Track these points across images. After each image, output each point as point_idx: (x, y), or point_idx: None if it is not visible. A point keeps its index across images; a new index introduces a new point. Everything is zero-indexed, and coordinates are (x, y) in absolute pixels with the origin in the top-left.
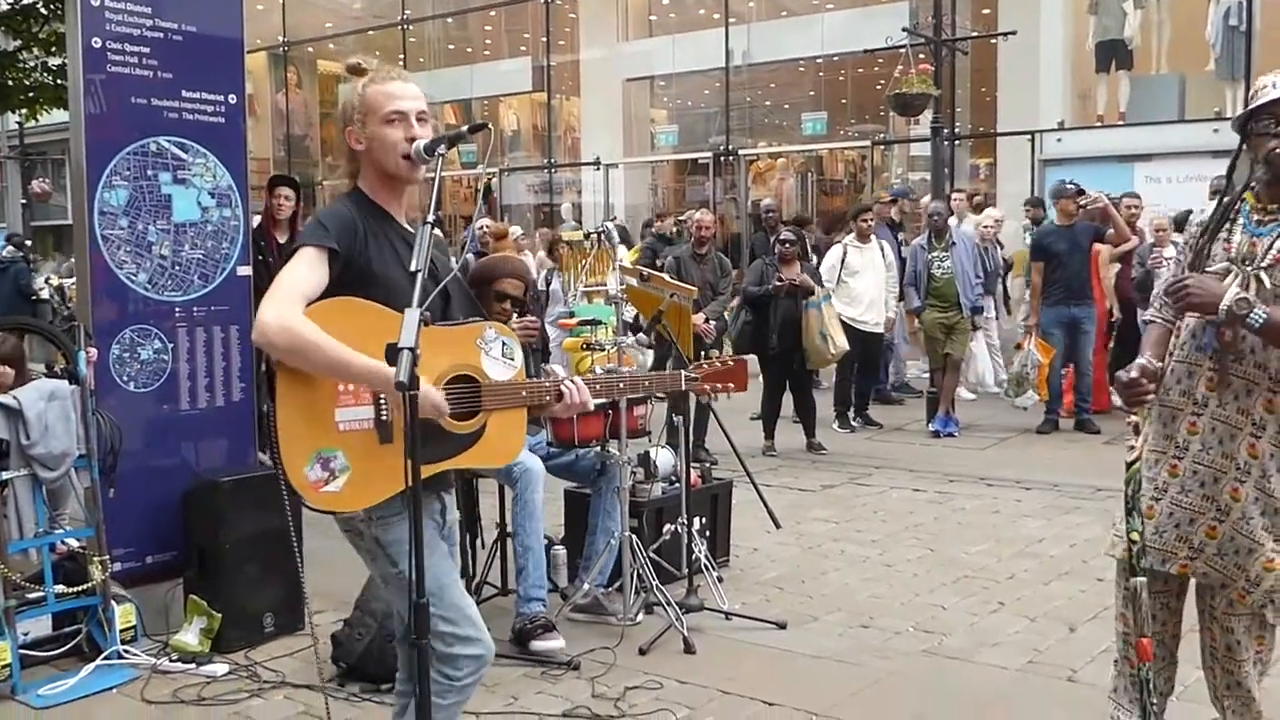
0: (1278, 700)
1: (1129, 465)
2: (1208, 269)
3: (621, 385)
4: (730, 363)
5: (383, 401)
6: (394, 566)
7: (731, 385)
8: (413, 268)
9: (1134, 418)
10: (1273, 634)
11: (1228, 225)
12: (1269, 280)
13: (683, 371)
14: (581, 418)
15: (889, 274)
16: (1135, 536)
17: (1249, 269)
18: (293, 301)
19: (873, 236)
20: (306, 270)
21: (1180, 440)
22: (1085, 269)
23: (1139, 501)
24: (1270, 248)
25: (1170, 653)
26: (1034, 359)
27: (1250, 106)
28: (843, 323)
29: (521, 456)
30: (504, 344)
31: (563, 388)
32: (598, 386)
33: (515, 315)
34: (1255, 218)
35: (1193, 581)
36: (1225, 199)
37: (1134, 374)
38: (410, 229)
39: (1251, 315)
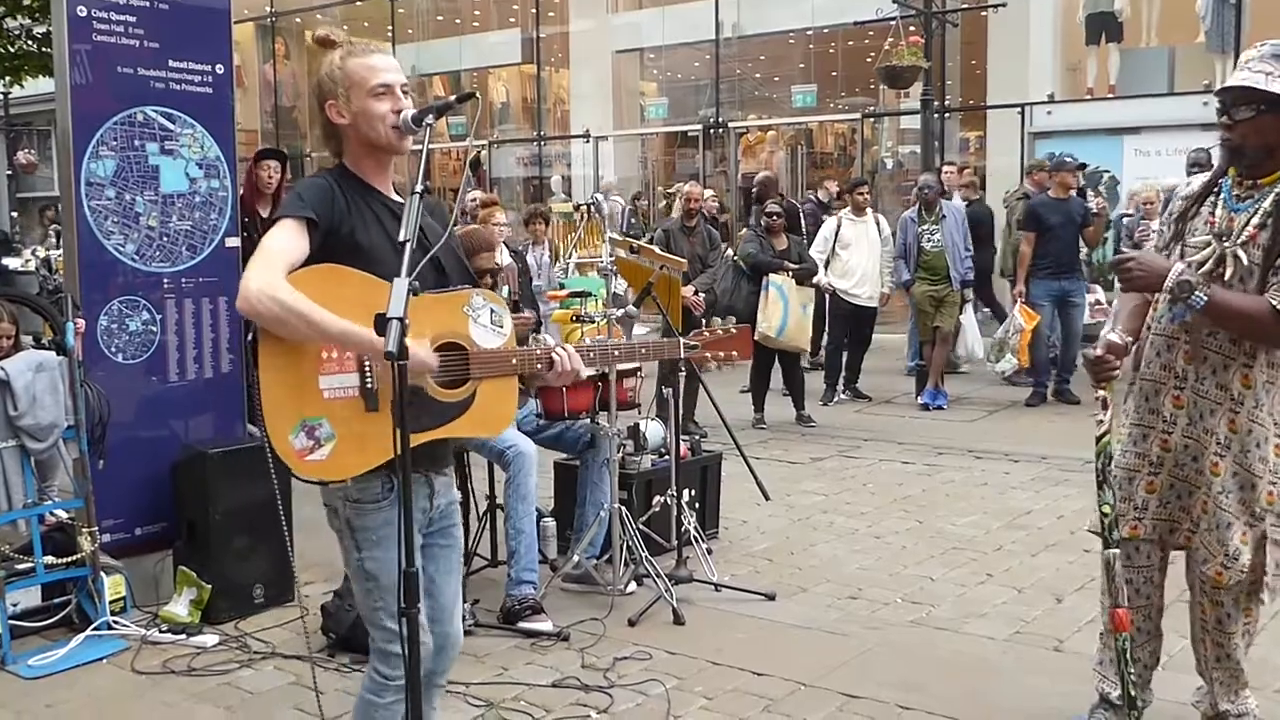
0: (1257, 667)
1: (1098, 439)
2: (1189, 242)
3: (617, 353)
4: (733, 330)
5: (368, 369)
6: (357, 552)
7: (735, 354)
8: (401, 238)
9: (1102, 392)
10: (1259, 605)
11: (1211, 199)
12: (1245, 257)
13: (681, 339)
14: (570, 389)
15: (884, 248)
16: (1107, 509)
17: (1226, 245)
18: (276, 269)
19: (868, 210)
20: (287, 239)
21: (1167, 414)
22: (1076, 243)
23: (1110, 474)
24: (1246, 224)
25: (1155, 625)
26: (1016, 324)
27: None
28: (835, 295)
29: (514, 439)
30: (492, 311)
31: (554, 355)
32: (591, 355)
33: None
34: (1235, 193)
35: (1180, 556)
36: (1211, 174)
37: (1100, 351)
38: (399, 200)
39: (1193, 297)
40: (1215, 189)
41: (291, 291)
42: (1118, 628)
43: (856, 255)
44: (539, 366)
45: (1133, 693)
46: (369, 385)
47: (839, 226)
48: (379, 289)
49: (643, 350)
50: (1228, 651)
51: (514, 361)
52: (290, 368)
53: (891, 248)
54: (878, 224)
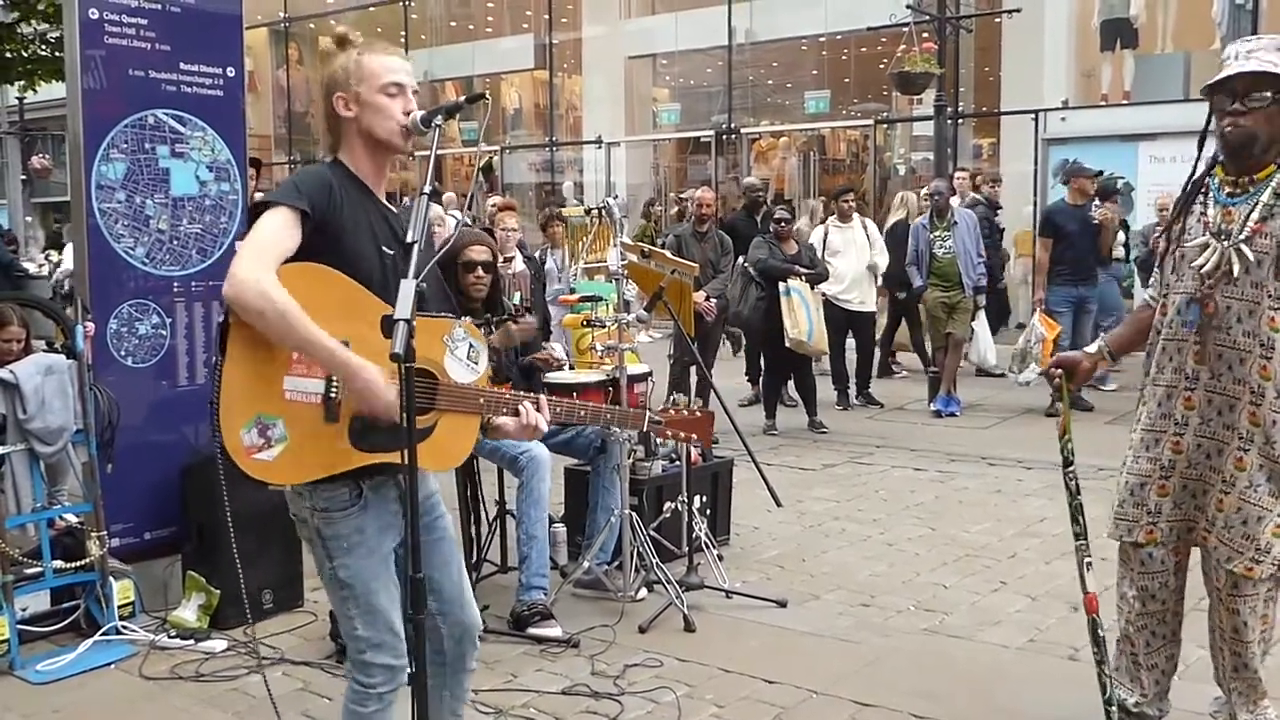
0: (1276, 677)
1: (1060, 438)
2: (1187, 245)
3: (583, 413)
4: (699, 413)
5: (334, 379)
6: (329, 561)
7: (694, 437)
8: (409, 239)
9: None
10: (1274, 613)
11: (1200, 199)
12: (1250, 252)
13: (647, 412)
14: (582, 394)
15: (873, 249)
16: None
17: (1226, 244)
18: (268, 262)
19: (854, 216)
20: (279, 231)
21: (1178, 417)
22: (1093, 249)
23: (1072, 477)
24: (1247, 219)
25: (1171, 631)
26: (1038, 334)
27: (1213, 80)
28: (827, 300)
29: (529, 445)
30: (471, 346)
31: (520, 406)
32: (559, 410)
33: (489, 288)
34: (1225, 190)
35: (1198, 563)
36: (1194, 174)
37: (1048, 365)
38: (391, 207)
39: None
40: (1203, 189)
41: (283, 291)
42: (1089, 610)
43: (845, 261)
44: (505, 412)
45: (1099, 657)
46: (333, 395)
47: (826, 234)
48: (363, 297)
49: (608, 415)
50: (1245, 660)
51: (481, 401)
52: (257, 360)
53: (884, 249)
54: (865, 228)
